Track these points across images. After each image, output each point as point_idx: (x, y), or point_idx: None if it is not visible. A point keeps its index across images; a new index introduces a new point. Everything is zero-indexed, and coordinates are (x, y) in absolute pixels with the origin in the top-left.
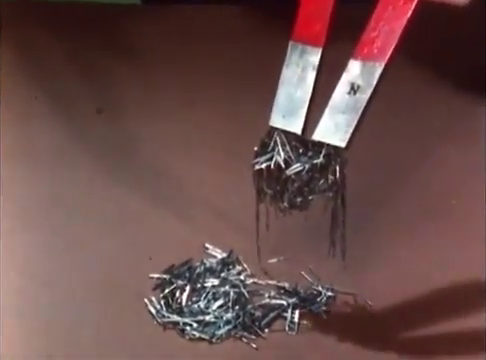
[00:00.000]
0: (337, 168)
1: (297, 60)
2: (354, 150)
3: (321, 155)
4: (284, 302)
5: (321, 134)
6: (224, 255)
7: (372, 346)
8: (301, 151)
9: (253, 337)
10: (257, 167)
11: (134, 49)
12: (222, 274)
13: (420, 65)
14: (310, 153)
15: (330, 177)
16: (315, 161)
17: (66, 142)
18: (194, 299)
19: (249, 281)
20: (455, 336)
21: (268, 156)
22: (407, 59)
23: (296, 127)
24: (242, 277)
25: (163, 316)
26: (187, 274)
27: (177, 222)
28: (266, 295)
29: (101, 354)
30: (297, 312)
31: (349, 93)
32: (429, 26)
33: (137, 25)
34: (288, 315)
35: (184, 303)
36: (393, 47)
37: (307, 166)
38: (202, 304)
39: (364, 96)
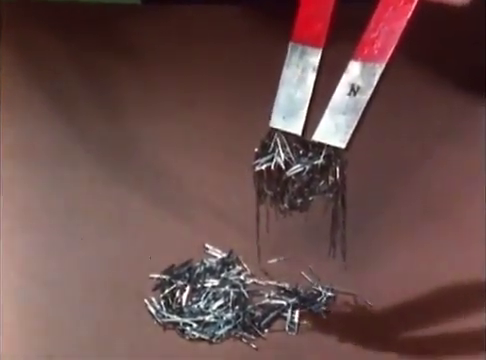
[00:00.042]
0: (337, 169)
1: (297, 61)
2: (354, 151)
3: (321, 156)
4: (284, 302)
5: (321, 135)
6: (224, 255)
7: (372, 346)
8: (301, 152)
9: (253, 337)
10: (257, 168)
11: (134, 49)
12: (222, 274)
13: (420, 65)
14: (310, 154)
15: (330, 178)
16: (315, 162)
17: (66, 142)
18: (194, 299)
19: (249, 281)
20: (455, 336)
21: (268, 157)
22: (407, 59)
23: (296, 128)
24: (242, 277)
25: (163, 316)
26: (187, 274)
27: (177, 222)
28: (266, 295)
29: (101, 354)
30: (297, 312)
31: (349, 94)
32: (429, 26)
33: (137, 25)
34: (288, 315)
35: (184, 303)
36: (393, 48)
37: (307, 167)
38: (202, 304)
39: (364, 97)
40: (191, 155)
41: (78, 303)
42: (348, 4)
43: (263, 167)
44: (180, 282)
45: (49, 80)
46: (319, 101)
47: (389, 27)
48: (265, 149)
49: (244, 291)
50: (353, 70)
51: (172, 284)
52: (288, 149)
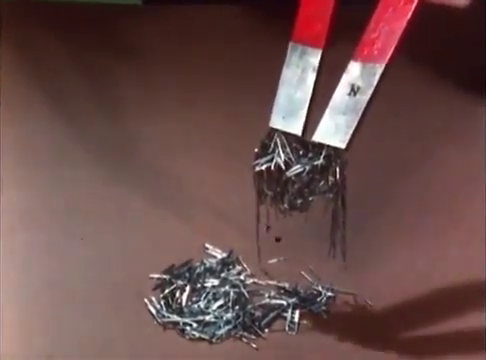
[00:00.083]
0: (337, 169)
1: (297, 61)
2: (354, 151)
3: (321, 156)
4: (284, 302)
5: (321, 135)
6: (224, 255)
7: (372, 346)
8: (301, 152)
9: (253, 337)
10: (257, 168)
11: (134, 49)
12: (222, 274)
13: (420, 65)
14: (310, 154)
15: (330, 178)
16: (315, 162)
17: (66, 142)
18: (194, 299)
19: (249, 281)
20: (455, 336)
21: (268, 157)
22: (407, 59)
23: (296, 128)
24: (242, 277)
25: (163, 316)
26: (187, 274)
27: (177, 222)
28: (266, 295)
29: (101, 354)
30: (297, 312)
31: (349, 94)
32: (429, 27)
33: (137, 25)
34: (288, 315)
35: (184, 303)
36: (393, 48)
37: (307, 167)
38: (202, 304)
39: (364, 97)
40: (191, 155)
41: (78, 303)
42: (348, 4)
43: (263, 167)
44: (180, 282)
45: (49, 80)
46: (319, 101)
47: (389, 27)
48: (265, 149)
49: (244, 291)
50: (353, 70)
51: (172, 284)
52: (288, 149)
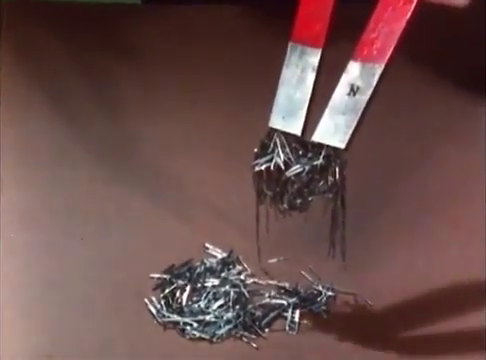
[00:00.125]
0: (337, 169)
1: (297, 61)
2: (354, 151)
3: (321, 156)
4: (284, 302)
5: (321, 135)
6: (224, 255)
7: (372, 346)
8: (301, 152)
9: (253, 337)
10: (257, 168)
11: (134, 49)
12: (222, 274)
13: (420, 65)
14: (310, 154)
15: (330, 178)
16: (315, 162)
17: (66, 142)
18: (194, 299)
19: (249, 281)
20: (455, 336)
21: (268, 157)
22: (407, 59)
23: (296, 128)
24: (242, 277)
25: (163, 316)
26: (187, 274)
27: (177, 222)
28: (266, 295)
29: (101, 354)
30: (297, 312)
31: (349, 94)
32: (429, 26)
33: (137, 25)
34: (288, 315)
35: (184, 303)
36: (392, 48)
37: (307, 167)
38: (202, 304)
39: (364, 97)
40: (191, 155)
41: (78, 303)
42: (347, 4)
43: (263, 167)
44: (180, 282)
45: (49, 80)
46: (318, 101)
47: (388, 27)
48: (265, 149)
49: (244, 291)
50: (352, 70)
51: (172, 284)
52: (287, 149)
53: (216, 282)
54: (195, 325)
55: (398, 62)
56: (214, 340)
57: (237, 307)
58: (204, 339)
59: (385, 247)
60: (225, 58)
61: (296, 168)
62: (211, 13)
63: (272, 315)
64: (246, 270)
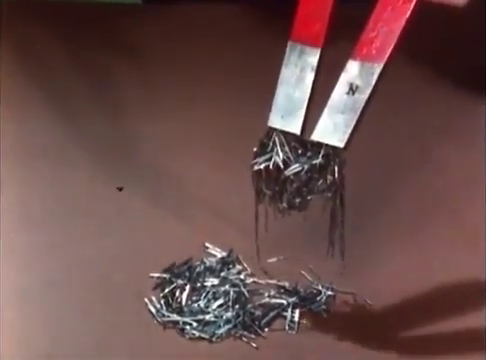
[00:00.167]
0: (336, 168)
1: (296, 60)
2: (353, 150)
3: (320, 155)
4: (284, 301)
5: (320, 134)
6: (224, 254)
7: (372, 345)
8: (300, 151)
9: (253, 336)
10: (256, 167)
11: (134, 48)
12: (222, 273)
13: (419, 64)
14: (309, 153)
15: (329, 177)
16: (314, 161)
17: (66, 142)
18: (194, 298)
19: (249, 280)
20: (455, 336)
21: (267, 157)
22: (406, 58)
23: (295, 127)
24: (242, 276)
25: (163, 315)
26: (187, 273)
27: (177, 221)
28: (266, 294)
29: (101, 354)
30: (297, 311)
31: (348, 93)
32: (428, 26)
33: (137, 24)
34: (288, 314)
35: (184, 302)
36: (392, 47)
37: (306, 166)
38: (202, 303)
39: (363, 96)
40: (191, 155)
41: (78, 303)
42: (347, 4)
43: (262, 166)
44: (180, 281)
45: (49, 79)
46: (318, 100)
47: (388, 27)
48: (264, 148)
49: (244, 290)
50: (352, 69)
51: (172, 283)
52: (287, 148)
53: (216, 281)
54: (195, 325)
55: (397, 61)
56: (214, 340)
57: (237, 306)
58: (204, 339)
59: (384, 246)
60: (225, 57)
61: (295, 167)
62: (211, 12)
63: (272, 314)
64: (246, 269)
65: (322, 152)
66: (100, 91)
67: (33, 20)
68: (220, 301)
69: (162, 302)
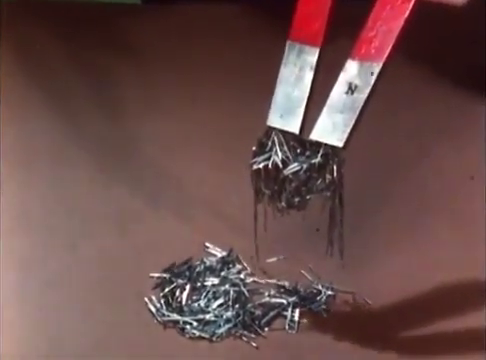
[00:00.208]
0: (335, 168)
1: (295, 60)
2: (352, 149)
3: (319, 155)
4: (284, 301)
5: (319, 134)
6: (224, 254)
7: (371, 345)
8: (299, 151)
9: (253, 336)
10: (255, 167)
11: (134, 48)
12: (222, 273)
13: (418, 64)
14: (308, 153)
15: (328, 177)
16: (313, 161)
17: (66, 142)
18: (194, 298)
19: (249, 280)
20: (455, 335)
21: (266, 156)
22: (405, 58)
23: (294, 127)
24: (242, 276)
25: (163, 315)
26: (187, 273)
27: (177, 221)
28: (266, 294)
29: (101, 354)
30: (297, 311)
31: (347, 93)
32: (427, 25)
33: (137, 24)
34: (288, 314)
35: (184, 302)
36: (391, 47)
37: (305, 166)
38: (202, 303)
39: (362, 96)
40: (191, 155)
41: (78, 303)
42: (346, 3)
43: (260, 166)
44: (180, 281)
45: (49, 79)
46: (317, 100)
47: (387, 26)
48: (263, 148)
49: (244, 290)
50: (351, 69)
51: (172, 283)
52: (285, 148)
53: (216, 281)
54: (195, 324)
55: (396, 61)
56: (214, 339)
57: (237, 306)
58: (204, 338)
59: (383, 245)
60: (225, 57)
61: (294, 166)
62: (210, 12)
63: (272, 314)
64: (246, 269)
65: (321, 151)
66: (100, 91)
67: (33, 20)
68: (220, 300)
69: (162, 301)
